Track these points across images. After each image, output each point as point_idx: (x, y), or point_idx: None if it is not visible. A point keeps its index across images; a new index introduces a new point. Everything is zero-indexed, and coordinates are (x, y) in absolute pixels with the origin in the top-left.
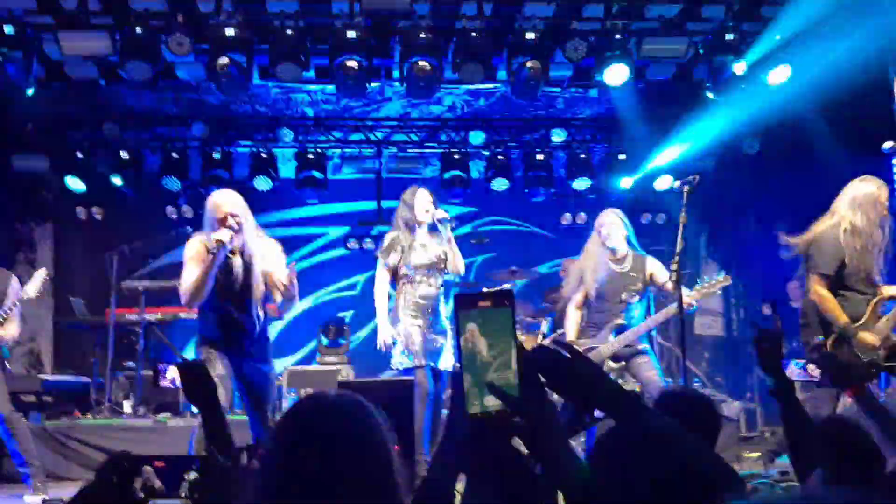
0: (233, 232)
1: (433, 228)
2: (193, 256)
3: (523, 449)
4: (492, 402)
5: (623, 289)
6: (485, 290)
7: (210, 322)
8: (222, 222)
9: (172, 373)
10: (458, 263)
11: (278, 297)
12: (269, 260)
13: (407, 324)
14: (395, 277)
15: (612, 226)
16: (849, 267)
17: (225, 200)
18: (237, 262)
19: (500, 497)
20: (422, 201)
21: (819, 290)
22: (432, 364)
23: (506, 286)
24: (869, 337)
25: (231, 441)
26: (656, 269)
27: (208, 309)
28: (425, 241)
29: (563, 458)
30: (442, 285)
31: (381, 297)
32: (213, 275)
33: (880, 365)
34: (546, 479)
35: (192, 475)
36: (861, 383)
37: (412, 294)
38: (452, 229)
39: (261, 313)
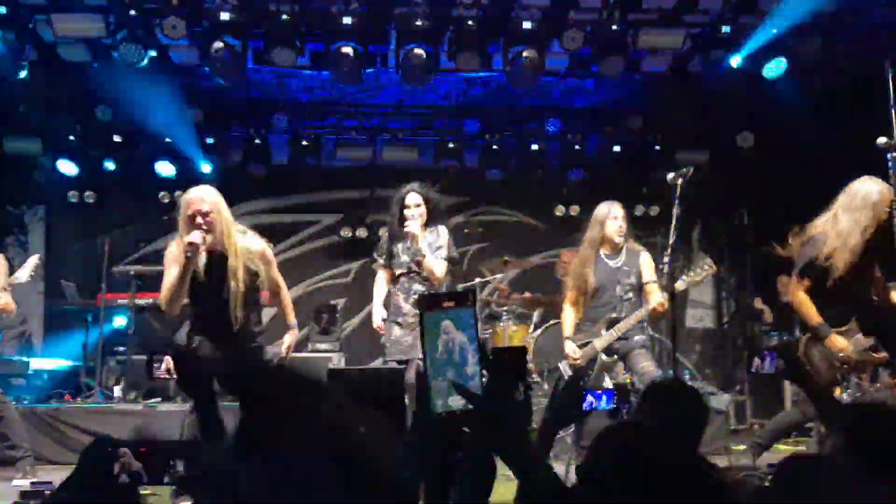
0: (203, 233)
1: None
2: (172, 261)
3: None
4: (457, 401)
5: (617, 283)
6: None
7: (194, 317)
8: (191, 221)
9: (167, 364)
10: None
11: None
12: (252, 258)
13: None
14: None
15: (619, 219)
16: None
17: (195, 198)
18: (209, 260)
19: (463, 492)
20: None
21: None
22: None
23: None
24: (840, 341)
25: (223, 427)
26: (644, 267)
27: (191, 305)
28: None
29: (526, 455)
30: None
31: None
32: (187, 278)
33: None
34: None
35: (180, 461)
36: (817, 385)
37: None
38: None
39: (240, 313)
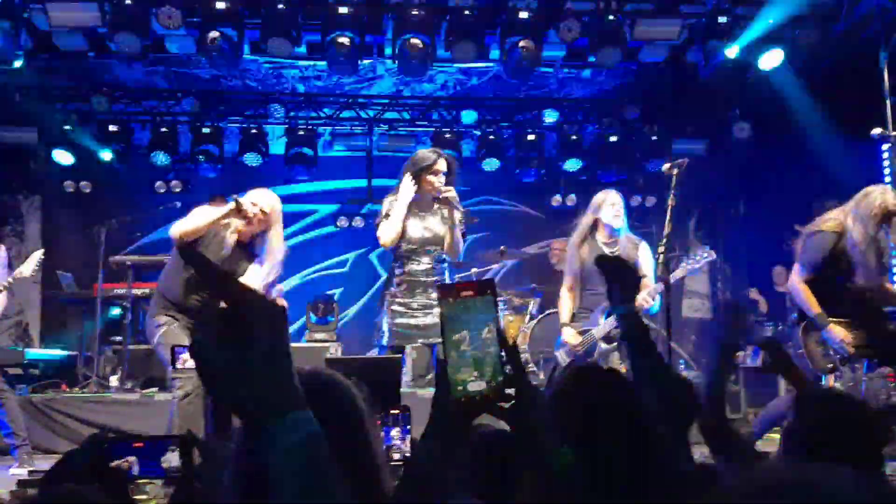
0: (253, 214)
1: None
2: (205, 210)
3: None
4: (476, 386)
5: None
6: (460, 278)
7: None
8: (242, 209)
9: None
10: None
11: None
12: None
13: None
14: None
15: (617, 206)
16: None
17: (265, 196)
18: (234, 243)
19: (484, 477)
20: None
21: None
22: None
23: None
24: (839, 330)
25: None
26: (643, 260)
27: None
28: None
29: (545, 441)
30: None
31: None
32: (213, 221)
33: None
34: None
35: (173, 456)
36: (796, 373)
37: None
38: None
39: None
